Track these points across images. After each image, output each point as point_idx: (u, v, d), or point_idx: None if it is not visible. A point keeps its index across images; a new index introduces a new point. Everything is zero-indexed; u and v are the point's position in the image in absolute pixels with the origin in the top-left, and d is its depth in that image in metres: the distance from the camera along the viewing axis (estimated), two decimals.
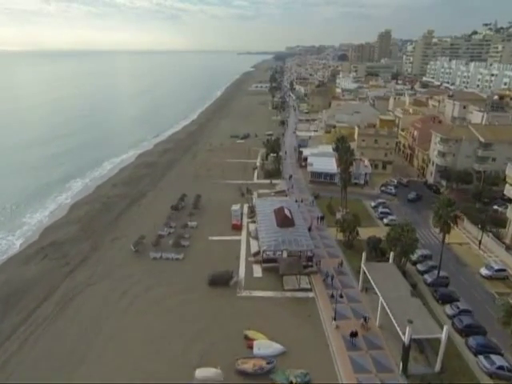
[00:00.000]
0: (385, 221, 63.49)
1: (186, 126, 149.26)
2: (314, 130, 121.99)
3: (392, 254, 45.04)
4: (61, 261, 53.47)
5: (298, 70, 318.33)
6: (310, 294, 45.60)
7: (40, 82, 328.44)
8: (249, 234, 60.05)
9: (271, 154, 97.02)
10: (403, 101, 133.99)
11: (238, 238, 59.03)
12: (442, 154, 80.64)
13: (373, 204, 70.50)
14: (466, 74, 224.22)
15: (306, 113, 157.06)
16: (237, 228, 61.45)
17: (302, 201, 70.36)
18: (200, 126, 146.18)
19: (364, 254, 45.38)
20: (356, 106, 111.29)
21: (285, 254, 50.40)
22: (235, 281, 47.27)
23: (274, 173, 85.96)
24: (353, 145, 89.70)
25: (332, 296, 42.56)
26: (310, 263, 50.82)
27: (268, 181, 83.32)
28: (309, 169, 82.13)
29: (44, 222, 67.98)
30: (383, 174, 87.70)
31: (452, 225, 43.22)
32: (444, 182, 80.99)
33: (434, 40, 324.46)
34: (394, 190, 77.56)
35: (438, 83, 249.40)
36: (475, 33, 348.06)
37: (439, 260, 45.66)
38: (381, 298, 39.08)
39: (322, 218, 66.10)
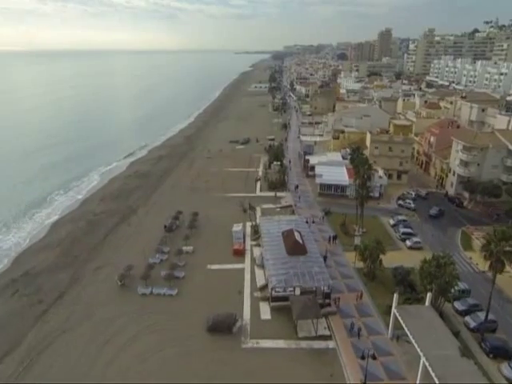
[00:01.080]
0: (408, 243, 55.69)
1: (182, 130, 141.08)
2: (319, 135, 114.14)
3: (429, 295, 37.19)
4: (33, 298, 45.39)
5: (298, 70, 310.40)
6: (331, 344, 37.73)
7: (33, 84, 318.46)
8: (253, 260, 52.20)
9: (274, 163, 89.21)
10: (413, 103, 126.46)
11: (240, 266, 51.13)
12: (465, 164, 72.94)
13: (392, 222, 62.65)
14: (472, 73, 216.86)
15: (309, 115, 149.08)
16: (239, 253, 53.57)
17: (313, 221, 62.10)
18: (197, 130, 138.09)
19: (395, 297, 37.50)
20: (365, 109, 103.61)
21: (297, 291, 42.53)
22: (239, 326, 39.39)
23: (278, 184, 78.03)
24: (364, 152, 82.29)
25: (362, 357, 34.53)
26: (327, 301, 43.00)
27: (272, 193, 75.38)
28: (317, 180, 74.26)
29: (19, 246, 59.85)
30: (398, 184, 79.93)
31: (507, 262, 35.43)
32: (467, 195, 73.30)
33: (437, 38, 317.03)
34: (412, 204, 69.77)
35: (444, 83, 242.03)
36: (476, 31, 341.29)
37: (487, 304, 37.75)
38: (423, 357, 31.29)
39: (335, 238, 58.48)
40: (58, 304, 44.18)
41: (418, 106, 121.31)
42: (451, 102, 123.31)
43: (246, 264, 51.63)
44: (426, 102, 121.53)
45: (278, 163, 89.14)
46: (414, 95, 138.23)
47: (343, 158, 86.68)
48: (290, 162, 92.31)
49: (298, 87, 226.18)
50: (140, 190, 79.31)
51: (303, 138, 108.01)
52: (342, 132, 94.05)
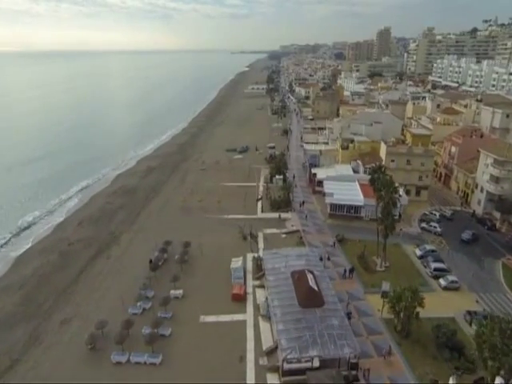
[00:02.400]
0: (442, 282, 46.28)
1: (175, 136, 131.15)
2: (325, 143, 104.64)
3: (499, 379, 27.76)
4: None
5: (296, 70, 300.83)
6: None
7: (24, 87, 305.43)
8: (256, 308, 42.67)
9: (277, 177, 79.75)
10: (423, 107, 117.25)
11: (241, 317, 41.52)
12: (496, 180, 63.73)
13: (418, 252, 53.21)
14: (478, 73, 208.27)
15: (311, 119, 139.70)
16: (239, 299, 43.99)
17: (328, 258, 51.95)
18: (191, 137, 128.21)
19: (454, 379, 28.09)
20: (375, 115, 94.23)
21: (316, 362, 33.05)
22: None
23: (282, 203, 68.50)
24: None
25: None
26: (353, 372, 33.52)
27: (275, 214, 65.87)
28: (328, 200, 64.73)
29: None
30: (417, 201, 70.64)
31: None
32: (497, 215, 64.12)
33: (439, 37, 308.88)
34: (438, 228, 60.40)
35: (448, 83, 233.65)
36: (476, 30, 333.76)
37: None
38: None
39: (352, 272, 49.22)
40: (6, 379, 34.39)
41: (429, 110, 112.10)
42: (465, 106, 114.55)
43: (248, 314, 42.04)
44: (438, 105, 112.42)
45: (281, 177, 79.75)
46: (423, 98, 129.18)
47: (354, 171, 77.36)
48: (294, 177, 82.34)
49: (297, 89, 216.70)
50: (124, 211, 69.49)
51: (307, 147, 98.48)
52: (352, 141, 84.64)
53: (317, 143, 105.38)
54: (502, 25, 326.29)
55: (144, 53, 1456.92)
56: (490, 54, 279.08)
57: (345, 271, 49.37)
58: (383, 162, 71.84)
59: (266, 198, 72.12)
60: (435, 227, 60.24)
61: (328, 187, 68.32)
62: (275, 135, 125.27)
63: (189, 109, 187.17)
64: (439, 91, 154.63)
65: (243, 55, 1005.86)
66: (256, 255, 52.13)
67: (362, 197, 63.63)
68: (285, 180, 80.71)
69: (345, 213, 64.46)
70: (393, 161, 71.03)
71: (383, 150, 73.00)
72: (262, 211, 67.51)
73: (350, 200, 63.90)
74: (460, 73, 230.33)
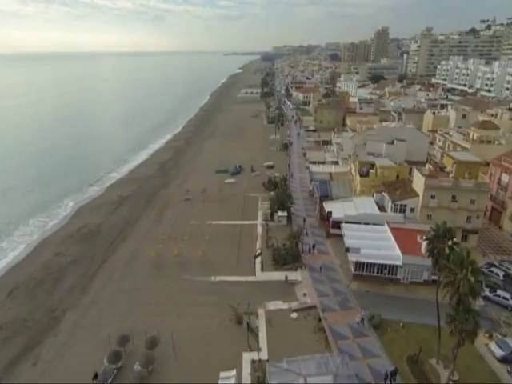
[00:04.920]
0: None
1: (156, 153, 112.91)
2: (334, 162, 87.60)
3: None
4: None
5: (292, 73, 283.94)
6: None
7: (6, 94, 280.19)
8: None
9: (279, 214, 62.48)
10: (445, 117, 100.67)
11: None
12: None
13: (497, 351, 35.71)
14: (489, 75, 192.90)
15: (313, 131, 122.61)
16: None
17: None
18: (176, 153, 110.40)
19: None
20: (396, 131, 77.20)
21: None
22: None
23: (288, 256, 51.18)
24: (411, 202, 56.07)
25: None
26: None
27: (280, 274, 48.61)
28: (352, 257, 47.40)
29: None
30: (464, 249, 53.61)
31: None
32: None
33: (441, 37, 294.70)
34: (508, 296, 43.36)
35: (455, 86, 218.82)
36: (474, 30, 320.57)
37: None
38: None
39: (394, 375, 32.29)
40: None
41: (454, 121, 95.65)
42: (492, 115, 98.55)
43: None
44: (464, 116, 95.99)
45: (285, 214, 62.47)
46: (442, 106, 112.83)
47: (378, 206, 60.28)
48: (304, 221, 63.30)
49: (294, 93, 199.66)
50: (77, 269, 51.59)
51: (313, 168, 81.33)
52: (372, 166, 67.70)
53: (324, 162, 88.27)
54: (501, 24, 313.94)
55: (136, 54, 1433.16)
56: (494, 55, 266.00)
57: (386, 375, 32.62)
58: (420, 198, 55.01)
59: (266, 247, 54.83)
60: (506, 298, 43.18)
61: (349, 235, 51.06)
62: (273, 150, 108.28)
63: (176, 118, 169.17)
64: (456, 97, 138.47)
65: (236, 56, 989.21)
66: (256, 360, 34.80)
67: (399, 252, 46.53)
68: (289, 216, 63.56)
69: (375, 273, 47.27)
70: (433, 197, 54.00)
71: (419, 182, 55.95)
72: (263, 270, 50.05)
73: (383, 257, 46.68)
74: (468, 75, 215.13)
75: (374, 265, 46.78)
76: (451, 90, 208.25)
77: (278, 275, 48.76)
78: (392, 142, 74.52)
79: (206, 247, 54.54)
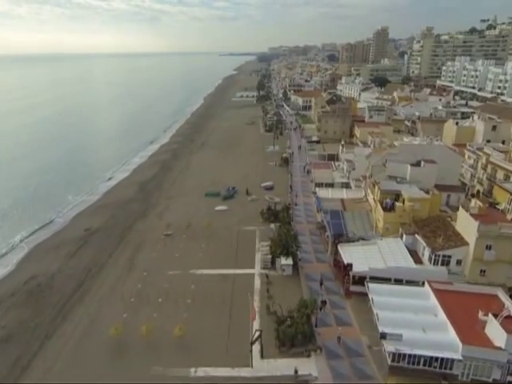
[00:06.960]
0: None
1: (138, 169, 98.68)
2: (345, 183, 73.87)
3: None
4: None
5: (290, 75, 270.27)
6: None
7: None
8: None
9: (283, 262, 48.68)
10: (471, 128, 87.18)
11: None
12: None
13: None
14: (502, 77, 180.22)
15: (317, 142, 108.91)
16: None
17: None
18: (160, 169, 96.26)
19: None
20: (422, 148, 63.68)
21: None
22: None
23: (299, 334, 37.31)
24: (457, 252, 42.53)
25: None
26: None
27: (287, 364, 34.83)
28: (391, 348, 33.41)
29: None
30: None
31: None
32: None
33: (445, 37, 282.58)
34: None
35: (461, 88, 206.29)
36: (474, 29, 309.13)
37: None
38: None
39: None
40: None
41: (481, 134, 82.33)
42: None
43: None
44: (494, 127, 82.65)
45: (290, 263, 48.69)
46: (464, 114, 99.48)
47: (410, 251, 46.61)
48: (321, 283, 46.59)
49: (293, 97, 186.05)
50: (6, 355, 37.46)
51: (321, 194, 67.54)
52: (397, 196, 54.22)
53: (333, 185, 74.54)
54: (502, 24, 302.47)
55: (132, 55, 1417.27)
56: (500, 55, 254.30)
57: None
58: (471, 248, 41.37)
59: (266, 314, 41.06)
60: None
61: (380, 304, 37.12)
62: (271, 166, 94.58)
63: (164, 125, 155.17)
64: (474, 102, 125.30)
65: (232, 57, 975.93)
66: None
67: (455, 337, 32.71)
68: (296, 264, 49.77)
69: (420, 366, 33.49)
70: (489, 248, 40.39)
71: (466, 225, 42.29)
72: (263, 356, 36.11)
73: (433, 346, 32.84)
74: (477, 77, 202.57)
75: (421, 356, 33.02)
76: (459, 93, 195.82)
77: (285, 366, 34.92)
78: (418, 163, 61.04)
79: (187, 317, 40.66)
